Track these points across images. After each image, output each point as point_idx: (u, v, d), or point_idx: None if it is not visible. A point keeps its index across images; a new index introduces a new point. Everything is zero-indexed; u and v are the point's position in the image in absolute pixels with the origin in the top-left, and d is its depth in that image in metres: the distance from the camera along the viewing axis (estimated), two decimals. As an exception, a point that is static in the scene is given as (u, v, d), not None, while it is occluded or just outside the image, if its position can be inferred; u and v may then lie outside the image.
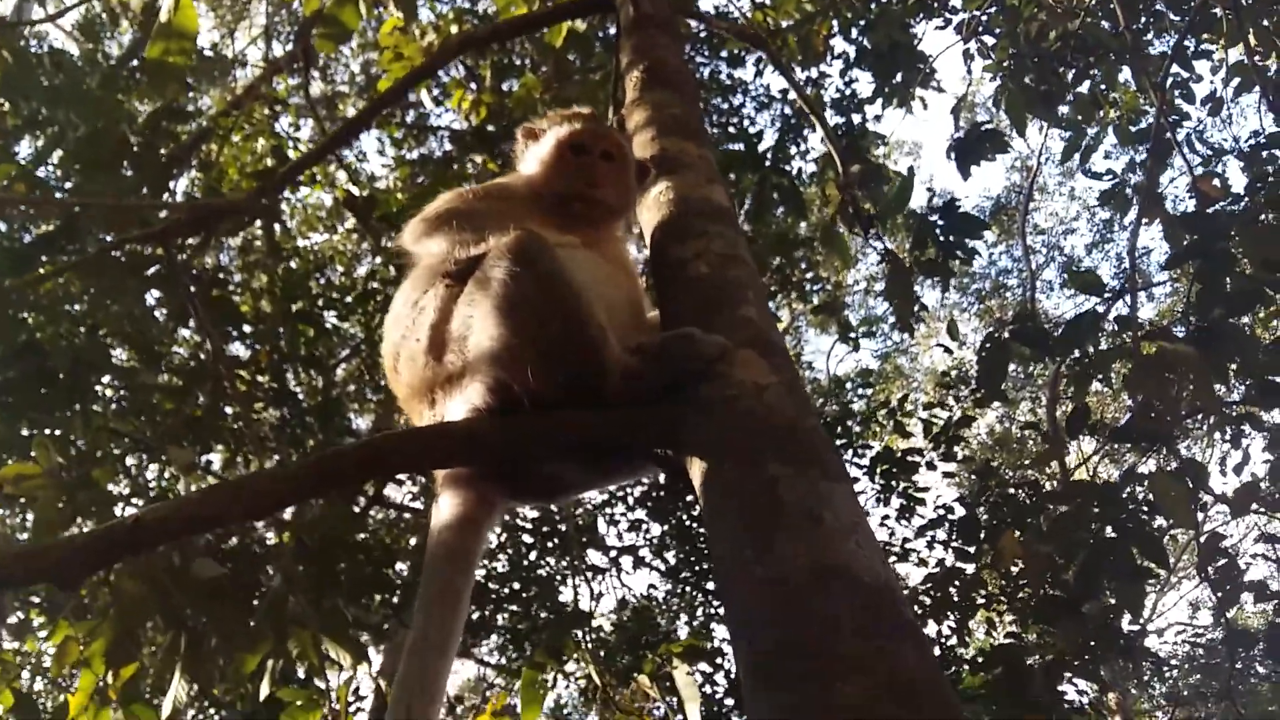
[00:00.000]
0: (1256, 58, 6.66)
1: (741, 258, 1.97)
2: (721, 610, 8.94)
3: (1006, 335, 6.14)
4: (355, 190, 8.48)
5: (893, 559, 7.85)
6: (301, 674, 5.47)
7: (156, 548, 1.47)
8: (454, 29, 7.99)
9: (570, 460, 1.83)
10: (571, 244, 1.97)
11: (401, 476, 9.25)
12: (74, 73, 8.26)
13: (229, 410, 7.58)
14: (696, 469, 1.53)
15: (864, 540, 1.29)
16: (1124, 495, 6.08)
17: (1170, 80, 7.19)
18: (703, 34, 9.97)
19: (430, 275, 1.95)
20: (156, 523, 1.55)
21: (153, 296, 7.87)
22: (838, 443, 7.96)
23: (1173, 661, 15.51)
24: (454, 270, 1.86)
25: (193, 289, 6.94)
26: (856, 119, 9.63)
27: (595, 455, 1.83)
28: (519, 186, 2.27)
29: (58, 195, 7.96)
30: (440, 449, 1.69)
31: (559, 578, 8.71)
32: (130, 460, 8.06)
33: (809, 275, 10.75)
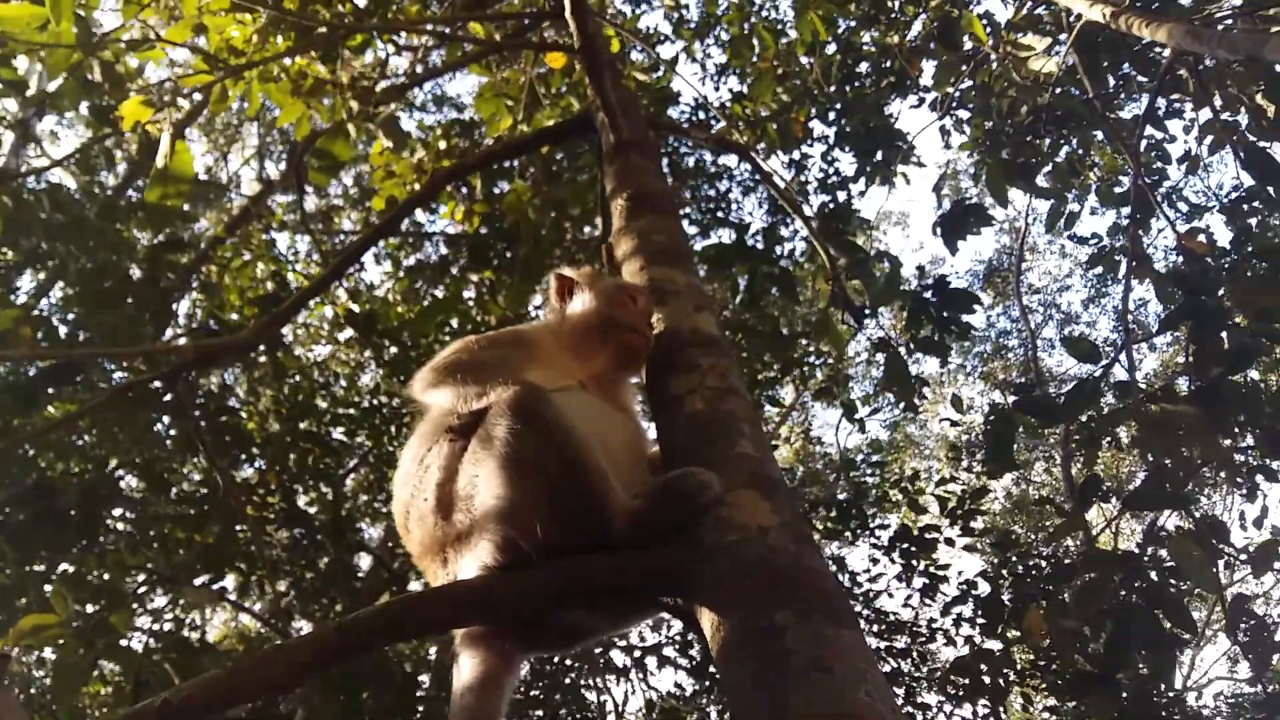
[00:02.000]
0: (1226, 115, 6.81)
1: (735, 389, 2.02)
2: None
3: (1010, 406, 6.15)
4: (355, 306, 8.61)
5: (920, 639, 7.74)
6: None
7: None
8: (442, 144, 8.21)
9: (582, 609, 1.84)
10: (571, 389, 2.01)
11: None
12: (72, 207, 8.44)
13: (241, 534, 7.58)
14: (705, 617, 1.54)
15: (874, 689, 1.31)
16: (1146, 560, 6.02)
17: (1145, 142, 7.35)
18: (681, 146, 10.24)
19: (435, 430, 1.99)
20: (183, 703, 1.57)
21: (160, 425, 7.93)
22: (852, 524, 7.92)
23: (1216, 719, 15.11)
24: (457, 426, 1.90)
25: (200, 417, 7.01)
26: (842, 196, 9.81)
27: (606, 603, 1.85)
28: (537, 333, 2.32)
29: (60, 329, 8.08)
30: (455, 610, 1.71)
31: (583, 681, 8.57)
32: (144, 591, 8.02)
33: (810, 351, 10.83)
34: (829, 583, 1.53)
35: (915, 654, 7.82)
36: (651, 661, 8.50)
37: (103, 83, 5.68)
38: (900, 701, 7.61)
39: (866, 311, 4.39)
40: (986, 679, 6.43)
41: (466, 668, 1.84)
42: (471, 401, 1.93)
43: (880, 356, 6.23)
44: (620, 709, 8.66)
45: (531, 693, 8.70)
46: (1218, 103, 6.85)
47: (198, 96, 7.01)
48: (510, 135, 6.99)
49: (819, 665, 1.32)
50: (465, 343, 2.18)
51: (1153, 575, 5.97)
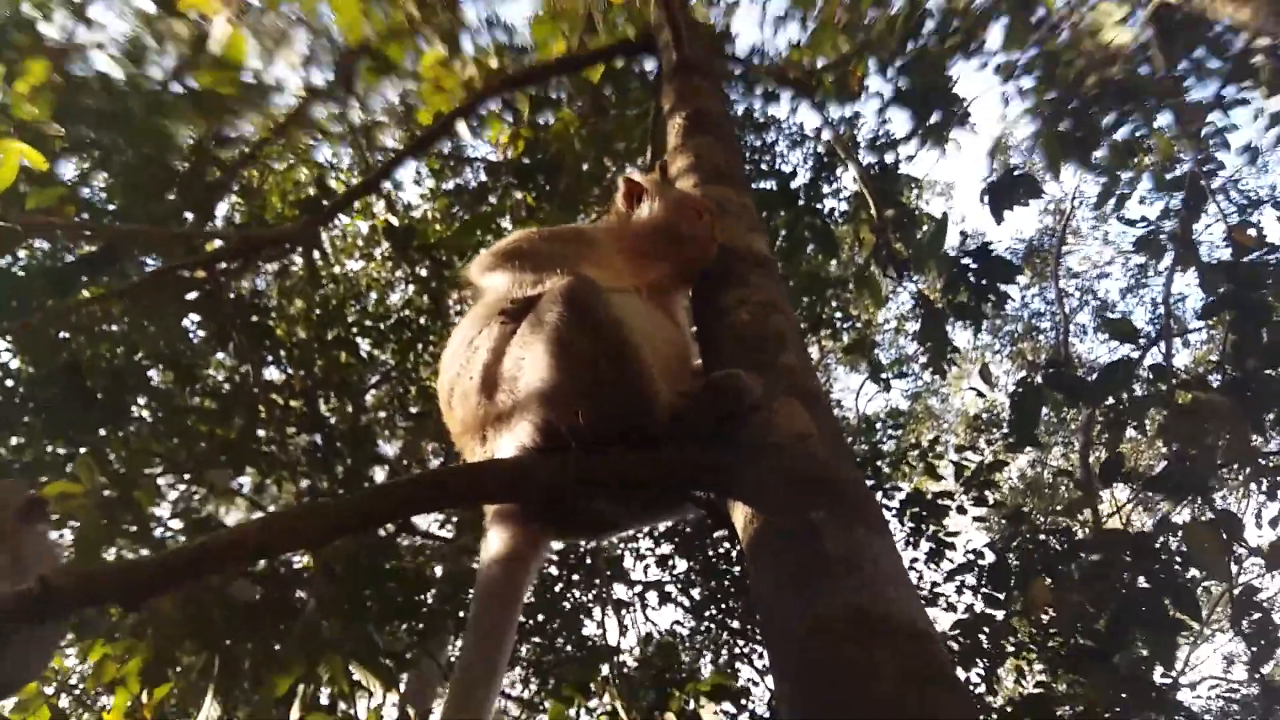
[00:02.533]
0: (1296, 108, 6.64)
1: (782, 306, 2.01)
2: (746, 649, 8.91)
3: (1040, 380, 6.12)
4: (394, 220, 8.62)
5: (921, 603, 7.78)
6: (326, 699, 5.50)
7: (219, 571, 1.52)
8: (494, 62, 8.13)
9: (615, 498, 1.86)
10: (626, 290, 2.01)
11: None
12: (119, 96, 8.44)
13: (262, 434, 7.68)
14: (740, 513, 1.55)
15: (903, 589, 1.32)
16: (1157, 545, 6.01)
17: (1206, 129, 7.17)
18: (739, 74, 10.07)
19: (488, 313, 2.01)
20: (221, 549, 1.60)
21: (190, 320, 8.02)
22: (867, 483, 7.95)
23: (1206, 717, 15.17)
24: (510, 309, 1.92)
25: (231, 313, 7.07)
26: (889, 158, 9.67)
27: (640, 494, 1.87)
28: (597, 233, 2.33)
29: (104, 219, 8.14)
30: (490, 485, 1.73)
31: (584, 611, 8.69)
32: (164, 481, 8.16)
33: (839, 314, 10.76)
34: (865, 492, 1.53)
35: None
36: (653, 597, 8.60)
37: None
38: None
39: (908, 267, 4.35)
40: (986, 644, 6.47)
41: (496, 542, 1.88)
42: (526, 288, 1.94)
43: (912, 327, 6.20)
44: (619, 642, 8.78)
45: (529, 622, 8.85)
46: (1288, 93, 6.67)
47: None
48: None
49: (851, 562, 1.33)
50: (526, 233, 2.19)
51: (1163, 559, 5.98)
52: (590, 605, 8.70)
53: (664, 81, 3.34)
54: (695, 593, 8.50)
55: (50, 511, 2.32)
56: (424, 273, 8.26)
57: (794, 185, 9.18)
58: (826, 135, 6.04)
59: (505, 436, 1.83)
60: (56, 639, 2.19)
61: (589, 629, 8.95)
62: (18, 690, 2.47)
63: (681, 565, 8.52)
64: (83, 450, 7.10)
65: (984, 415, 11.88)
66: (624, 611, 8.70)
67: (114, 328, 7.85)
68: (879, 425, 11.24)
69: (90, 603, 1.53)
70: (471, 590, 2.10)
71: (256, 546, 1.63)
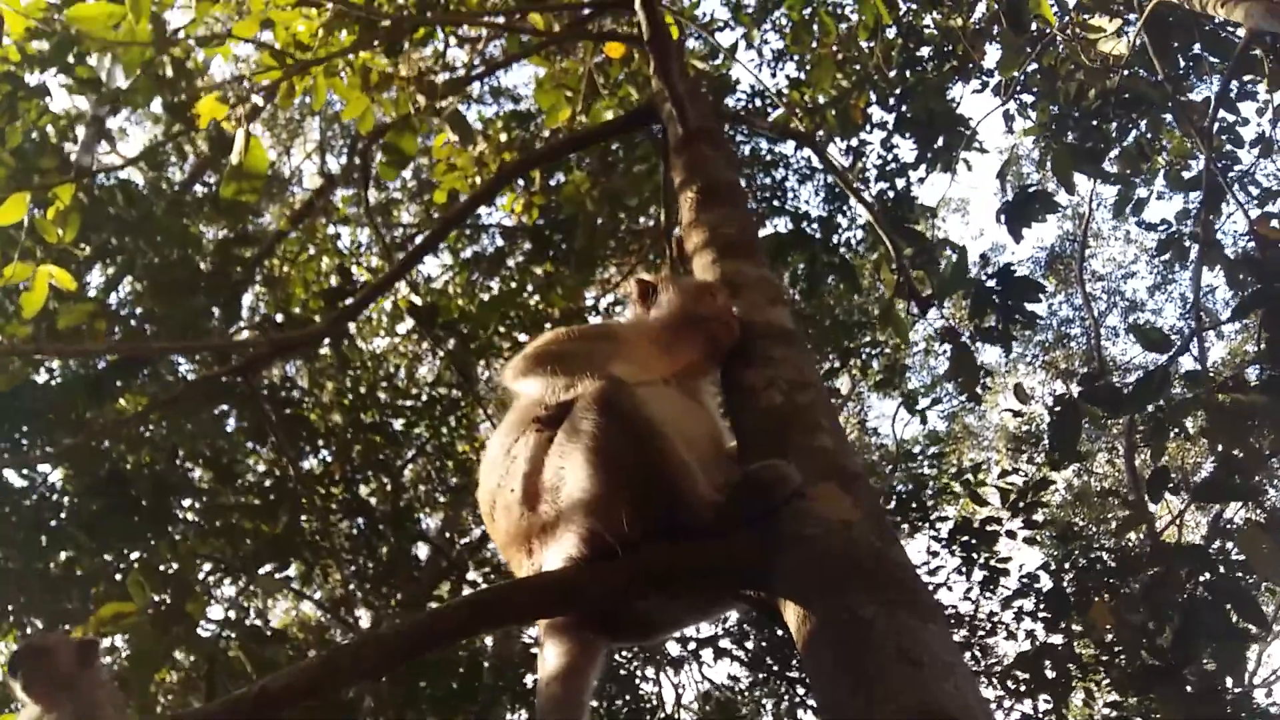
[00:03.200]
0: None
1: (811, 381, 2.02)
2: (807, 697, 8.76)
3: (1076, 395, 6.05)
4: (416, 299, 8.72)
5: (980, 633, 7.64)
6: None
7: (279, 715, 1.53)
8: (503, 136, 8.26)
9: (664, 600, 1.86)
10: (654, 383, 2.04)
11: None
12: (141, 202, 8.64)
13: (305, 524, 7.74)
14: (790, 610, 1.55)
15: (962, 682, 1.31)
16: (1213, 553, 5.89)
17: (1217, 125, 7.14)
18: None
19: (523, 420, 2.03)
20: (280, 691, 1.61)
21: (227, 417, 8.12)
22: (911, 515, 7.84)
23: (1285, 715, 14.73)
24: (544, 416, 1.94)
25: (267, 409, 7.17)
26: (901, 183, 9.69)
27: (688, 594, 1.87)
28: (624, 328, 2.37)
29: (130, 322, 8.30)
30: (541, 601, 1.74)
31: (638, 671, 8.61)
32: (213, 580, 8.23)
33: (867, 341, 10.73)
34: (913, 577, 1.53)
35: (976, 648, 7.73)
36: (707, 653, 8.51)
37: (175, 79, 5.81)
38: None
39: (932, 301, 4.35)
40: (1050, 673, 6.35)
41: (551, 657, 1.88)
42: (560, 392, 1.97)
43: (942, 346, 6.17)
44: (677, 699, 8.69)
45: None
46: (1293, 84, 6.64)
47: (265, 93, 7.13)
48: (570, 126, 7.01)
49: (907, 657, 1.32)
50: (557, 333, 2.22)
51: (1220, 569, 5.86)
52: (643, 666, 8.62)
53: (672, 154, 3.38)
54: (750, 644, 8.40)
55: (101, 647, 2.35)
56: (450, 346, 8.35)
57: (808, 222, 9.23)
58: (836, 178, 6.06)
59: (552, 548, 1.83)
60: None
61: (645, 688, 8.87)
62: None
63: (733, 617, 8.43)
64: (133, 558, 7.19)
65: (1023, 430, 11.75)
66: (679, 670, 8.61)
67: (150, 431, 7.96)
68: (917, 451, 11.13)
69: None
70: (527, 674, 2.09)
71: (313, 684, 1.65)
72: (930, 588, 8.09)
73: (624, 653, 9.12)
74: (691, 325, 2.23)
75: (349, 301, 5.00)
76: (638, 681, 8.58)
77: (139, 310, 8.56)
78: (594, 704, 8.89)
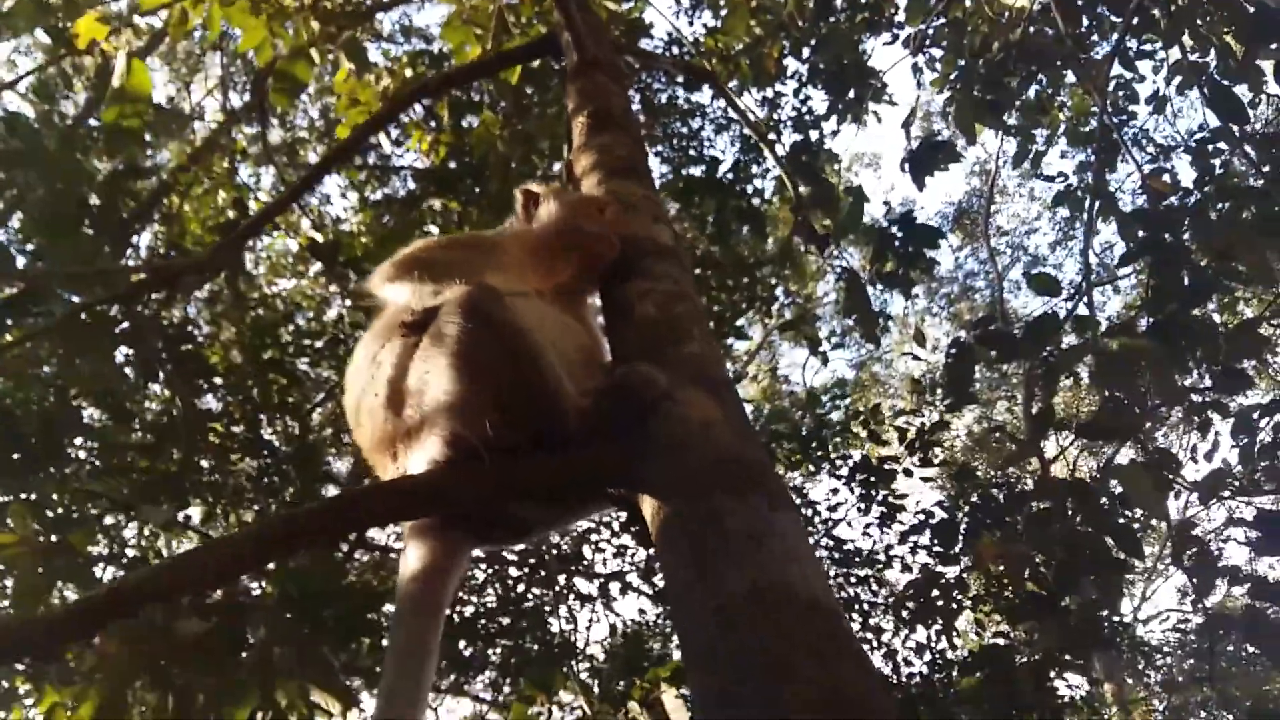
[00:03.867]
0: (1195, 55, 6.83)
1: (687, 294, 2.04)
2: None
3: (971, 340, 6.24)
4: (319, 236, 8.52)
5: (877, 566, 7.91)
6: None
7: (134, 614, 1.51)
8: (408, 72, 8.06)
9: (530, 502, 1.88)
10: (525, 294, 2.03)
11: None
12: (30, 135, 8.23)
13: (205, 464, 7.57)
14: (648, 506, 1.58)
15: (806, 564, 1.36)
16: (1097, 489, 6.17)
17: (1114, 82, 7.36)
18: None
19: (389, 326, 2.00)
20: (131, 590, 1.59)
21: (122, 354, 7.86)
22: (814, 455, 8.04)
23: (1164, 649, 15.63)
24: (410, 322, 1.92)
25: (161, 345, 6.95)
26: (814, 135, 9.76)
27: (555, 497, 1.89)
28: (499, 240, 2.33)
29: (19, 260, 7.94)
30: (403, 503, 1.74)
31: (547, 608, 8.70)
32: (109, 520, 8.01)
33: (778, 290, 10.85)
34: (771, 473, 1.57)
35: (873, 581, 8.01)
36: (615, 588, 8.64)
37: (59, 4, 5.52)
38: (856, 627, 7.81)
39: (829, 242, 4.42)
40: (939, 602, 6.61)
41: (414, 557, 1.88)
42: (427, 298, 1.95)
43: (845, 287, 6.28)
44: (585, 636, 8.82)
45: (495, 625, 8.83)
46: (1187, 42, 6.86)
47: (157, 22, 6.82)
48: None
49: (756, 540, 1.37)
50: (427, 241, 2.19)
51: (1104, 503, 6.13)
52: (553, 603, 8.71)
53: (568, 82, 3.35)
54: (658, 580, 8.55)
55: None
56: (355, 288, 8.18)
57: (722, 169, 9.25)
58: (743, 122, 6.08)
59: (416, 452, 1.82)
60: None
61: (556, 625, 8.97)
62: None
63: (641, 554, 8.56)
64: (19, 496, 6.94)
65: (925, 378, 12.09)
66: (587, 605, 8.73)
67: (44, 370, 7.67)
68: (825, 396, 11.37)
69: (5, 658, 1.51)
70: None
71: (168, 584, 1.62)
72: (831, 524, 8.34)
73: (533, 590, 9.19)
74: (570, 240, 2.21)
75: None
76: (548, 620, 8.67)
77: (29, 248, 8.18)
78: (505, 643, 8.96)
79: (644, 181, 2.57)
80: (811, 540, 8.16)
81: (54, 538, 4.29)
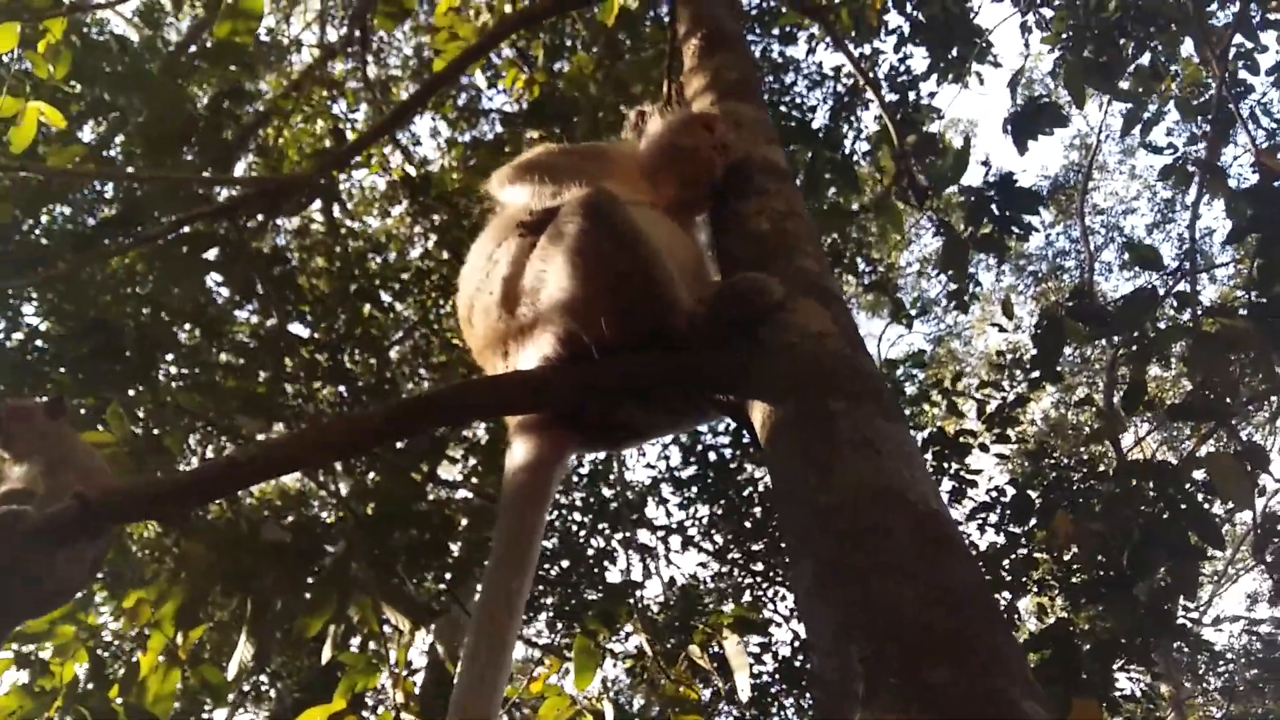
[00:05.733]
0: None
1: (800, 214, 2.02)
2: (770, 592, 8.98)
3: (1063, 313, 6.08)
4: (411, 171, 8.62)
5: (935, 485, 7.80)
6: (357, 642, 5.62)
7: (250, 485, 1.56)
8: (508, 8, 8.07)
9: (638, 405, 1.89)
10: (644, 204, 2.02)
11: (456, 455, 9.40)
12: (136, 58, 8.44)
13: (289, 389, 7.77)
14: (759, 410, 1.58)
15: (917, 470, 1.34)
16: (1179, 476, 6.00)
17: (1234, 51, 7.03)
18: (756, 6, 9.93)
19: (506, 227, 2.02)
20: (248, 462, 1.64)
21: (214, 278, 8.08)
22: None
23: (1228, 655, 15.23)
24: (529, 222, 1.93)
25: (254, 268, 7.12)
26: (911, 95, 9.54)
27: (662, 400, 1.89)
28: (615, 151, 2.33)
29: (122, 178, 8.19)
30: (514, 396, 1.76)
31: (608, 557, 8.80)
32: (194, 438, 8.29)
33: (861, 255, 10.69)
34: (880, 382, 1.55)
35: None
36: (675, 541, 8.70)
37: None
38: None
39: (929, 191, 4.32)
40: (1007, 575, 6.52)
41: (520, 452, 1.90)
42: (545, 200, 1.96)
43: (933, 269, 6.16)
44: (643, 581, 8.91)
45: (554, 570, 8.96)
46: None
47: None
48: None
49: (869, 444, 1.36)
50: (546, 147, 2.20)
51: (1186, 489, 5.96)
52: (614, 552, 8.80)
53: (679, 5, 3.31)
54: (718, 537, 8.58)
55: (68, 410, 2.42)
56: (441, 223, 8.27)
57: (814, 124, 9.11)
58: (848, 67, 5.95)
59: (528, 349, 1.84)
60: (103, 549, 2.27)
61: (613, 575, 9.07)
62: (69, 598, 2.58)
63: (704, 511, 8.59)
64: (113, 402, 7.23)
65: (1007, 355, 11.81)
66: (647, 557, 8.80)
67: (138, 290, 7.94)
68: (903, 366, 11.22)
69: (126, 518, 1.57)
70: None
71: (284, 460, 1.67)
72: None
73: (595, 539, 9.30)
74: (676, 157, 2.19)
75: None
76: (606, 565, 8.77)
77: (130, 169, 8.43)
78: (563, 590, 9.09)
79: (756, 103, 2.53)
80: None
81: (151, 437, 4.45)
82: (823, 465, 1.34)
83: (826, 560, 1.23)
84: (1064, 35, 7.00)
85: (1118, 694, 7.02)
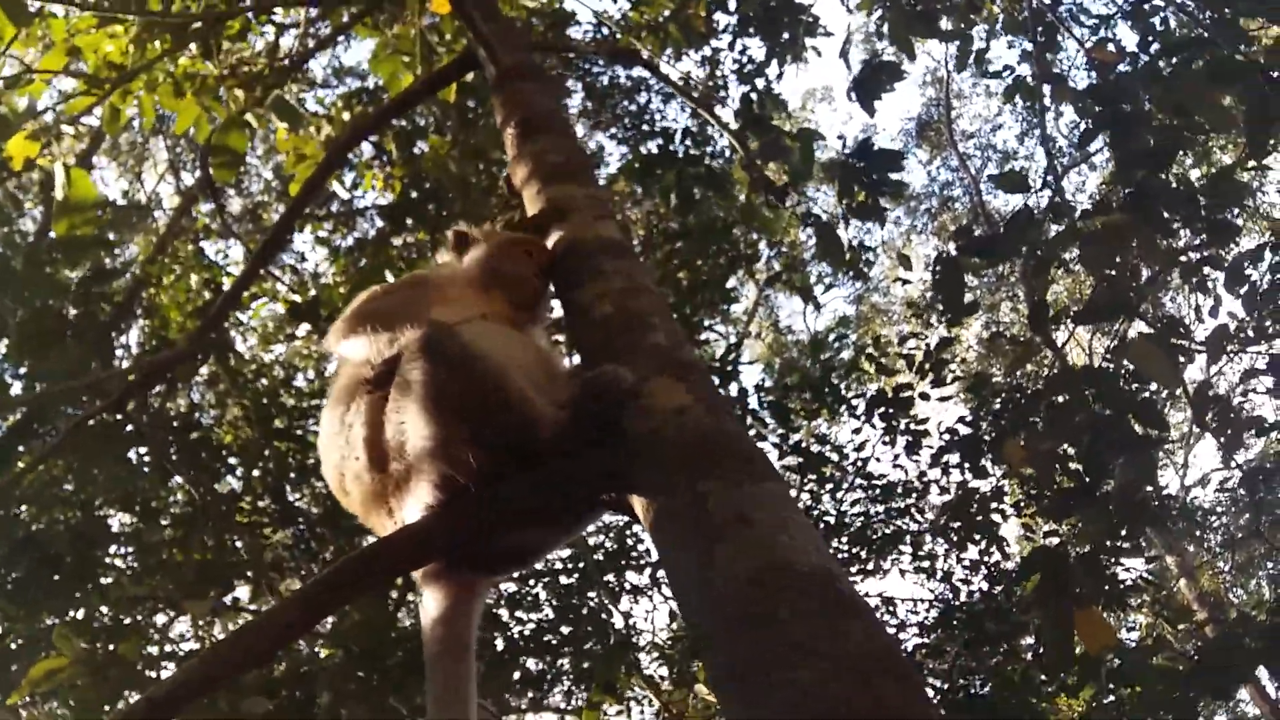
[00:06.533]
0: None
1: (642, 287, 2.05)
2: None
3: (953, 252, 6.21)
4: (297, 297, 8.54)
5: (914, 495, 7.90)
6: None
7: (177, 715, 1.53)
8: (346, 115, 8.04)
9: (528, 527, 1.90)
10: (480, 317, 2.04)
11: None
12: (-2, 259, 8.26)
13: (239, 544, 7.61)
14: (639, 504, 1.60)
15: (796, 532, 1.37)
16: (1112, 371, 6.15)
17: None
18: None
19: (351, 386, 2.02)
20: (165, 696, 1.61)
21: (135, 454, 7.91)
22: (828, 399, 8.02)
23: (1217, 510, 15.60)
24: (373, 377, 1.93)
25: (171, 439, 6.99)
26: (760, 83, 9.70)
27: (547, 515, 1.90)
28: (440, 276, 2.36)
29: (15, 386, 7.99)
30: (405, 554, 1.76)
31: (604, 609, 8.73)
32: (160, 618, 8.08)
33: (761, 245, 10.82)
34: (746, 444, 1.58)
35: (915, 511, 7.99)
36: (663, 574, 8.66)
37: (-6, 125, 5.53)
38: (910, 558, 7.81)
39: (787, 190, 4.41)
40: (979, 517, 6.61)
41: (430, 603, 1.90)
42: (383, 347, 1.96)
43: (813, 232, 6.28)
44: (643, 627, 8.86)
45: (557, 636, 8.87)
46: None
47: (93, 121, 6.82)
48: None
49: (742, 518, 1.38)
50: (370, 292, 2.22)
51: (1121, 384, 6.11)
52: (608, 601, 8.74)
53: (492, 95, 3.35)
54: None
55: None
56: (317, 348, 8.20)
57: (677, 139, 9.21)
58: (674, 89, 6.06)
59: (409, 502, 1.85)
60: None
61: (618, 620, 8.99)
62: None
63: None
64: (69, 616, 7.02)
65: (924, 298, 12.04)
66: (641, 598, 8.76)
67: (62, 489, 7.73)
68: (830, 338, 11.37)
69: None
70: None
71: (206, 677, 1.64)
72: (860, 463, 8.33)
73: (588, 595, 9.22)
74: (502, 281, 2.25)
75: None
76: (603, 616, 8.70)
77: (22, 371, 8.23)
78: (571, 651, 9.00)
79: (582, 179, 2.57)
80: (845, 482, 8.16)
81: (105, 650, 4.33)
82: (703, 552, 1.36)
83: (725, 651, 1.25)
84: (876, -5, 7.21)
85: (1122, 585, 7.14)
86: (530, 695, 9.74)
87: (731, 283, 10.33)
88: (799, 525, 1.39)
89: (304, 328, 10.69)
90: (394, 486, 1.87)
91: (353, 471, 1.96)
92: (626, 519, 9.52)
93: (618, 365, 1.77)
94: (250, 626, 1.70)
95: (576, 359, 2.14)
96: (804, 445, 8.00)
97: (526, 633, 8.54)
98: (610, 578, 9.03)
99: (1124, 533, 6.52)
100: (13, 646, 6.57)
